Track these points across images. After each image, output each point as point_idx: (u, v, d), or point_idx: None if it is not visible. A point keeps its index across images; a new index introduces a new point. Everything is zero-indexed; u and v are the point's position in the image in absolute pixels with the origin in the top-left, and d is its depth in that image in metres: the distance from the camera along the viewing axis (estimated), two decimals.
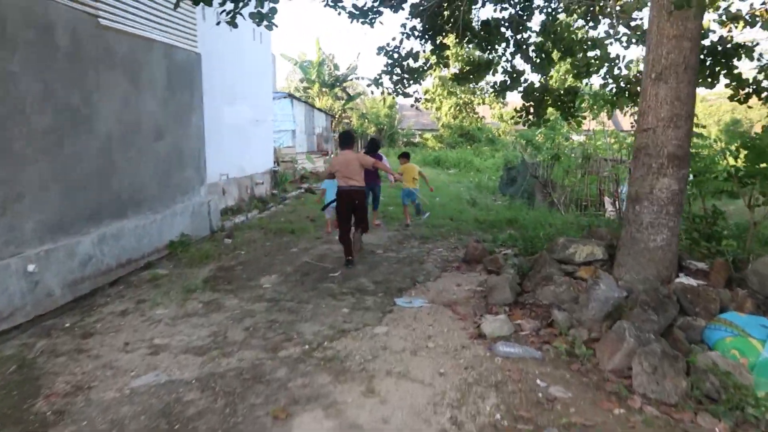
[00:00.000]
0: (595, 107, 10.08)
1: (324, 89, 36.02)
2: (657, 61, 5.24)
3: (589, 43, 9.31)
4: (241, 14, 5.78)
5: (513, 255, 7.88)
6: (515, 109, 10.73)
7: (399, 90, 10.61)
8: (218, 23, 6.06)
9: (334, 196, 7.73)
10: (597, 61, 9.34)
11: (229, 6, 5.71)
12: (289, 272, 6.95)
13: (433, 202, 14.00)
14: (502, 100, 40.30)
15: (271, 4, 5.52)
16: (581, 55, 9.46)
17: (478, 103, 43.90)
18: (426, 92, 43.88)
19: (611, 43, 9.17)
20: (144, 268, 7.41)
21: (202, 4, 5.59)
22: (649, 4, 5.81)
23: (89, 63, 6.59)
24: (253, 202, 13.05)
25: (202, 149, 9.94)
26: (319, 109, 23.31)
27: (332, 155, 30.47)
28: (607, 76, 9.26)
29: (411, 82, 10.66)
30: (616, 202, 14.90)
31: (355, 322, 5.11)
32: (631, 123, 8.41)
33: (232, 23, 5.82)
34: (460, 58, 18.60)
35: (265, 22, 5.61)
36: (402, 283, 6.49)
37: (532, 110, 10.42)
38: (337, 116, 36.34)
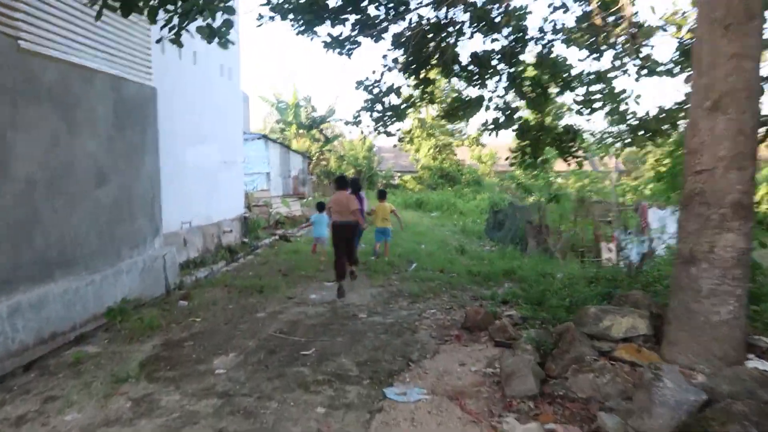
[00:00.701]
0: (598, 147, 9.07)
1: (301, 131, 35.06)
2: (711, 87, 4.14)
3: (592, 76, 8.34)
4: (188, 31, 4.59)
5: (521, 318, 6.64)
6: (510, 149, 9.66)
7: (380, 129, 9.50)
8: (159, 41, 4.85)
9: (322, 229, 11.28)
10: (602, 96, 8.36)
11: (176, 21, 4.53)
12: (250, 349, 5.57)
13: (419, 251, 12.77)
14: (480, 143, 39.78)
15: (225, 16, 4.36)
16: (584, 89, 8.48)
17: (458, 145, 43.37)
18: (406, 133, 43.31)
19: (616, 76, 8.21)
20: (74, 342, 5.98)
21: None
22: (690, 20, 4.79)
23: (4, 94, 5.32)
24: (220, 252, 11.67)
25: (156, 195, 8.63)
26: (295, 151, 22.21)
27: (310, 198, 29.28)
28: (614, 113, 8.27)
29: (393, 119, 9.58)
30: (614, 248, 13.88)
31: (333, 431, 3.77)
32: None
33: (177, 42, 4.62)
34: (444, 94, 17.77)
35: (217, 39, 4.42)
36: (392, 364, 5.16)
37: (528, 150, 9.39)
38: (314, 158, 35.33)
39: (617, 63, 8.05)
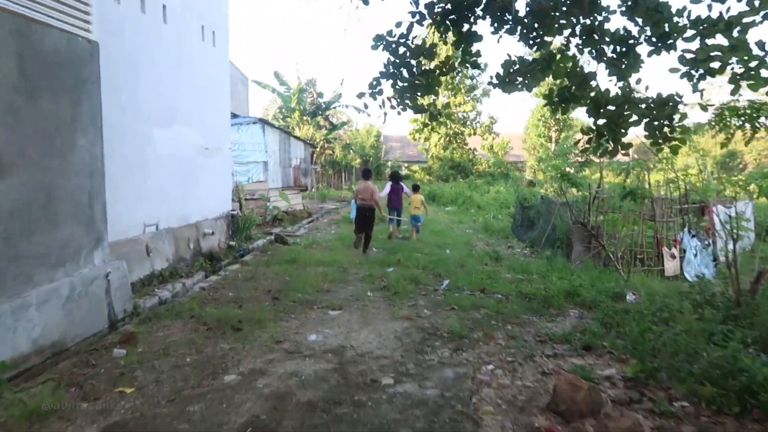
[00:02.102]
0: (718, 125, 6.50)
1: (305, 117, 32.46)
2: None
3: (719, 24, 5.73)
4: None
5: (632, 385, 4.14)
6: (581, 129, 7.05)
7: (406, 103, 6.97)
8: None
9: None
10: (728, 52, 5.76)
11: None
12: None
13: (445, 259, 10.25)
14: (492, 132, 37.11)
15: None
16: (697, 42, 5.88)
17: (469, 134, 40.73)
18: (414, 122, 40.71)
19: (754, 22, 5.61)
20: None
21: None
22: None
23: None
24: (197, 261, 9.18)
25: (97, 191, 6.13)
26: (297, 138, 19.64)
27: (313, 190, 26.77)
28: (748, 76, 5.68)
29: (422, 91, 7.03)
30: (677, 254, 11.35)
31: None
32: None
33: None
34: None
35: None
36: None
37: (606, 131, 6.80)
38: (318, 147, 32.76)
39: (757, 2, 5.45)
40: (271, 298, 7.01)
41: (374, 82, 6.87)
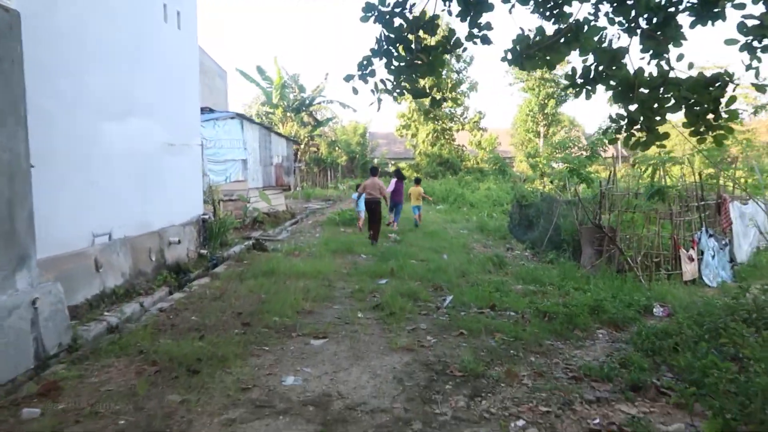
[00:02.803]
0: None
1: (288, 114, 31.11)
2: None
3: None
4: None
5: None
6: (610, 117, 5.90)
7: (403, 86, 5.77)
8: None
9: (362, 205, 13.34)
10: None
11: None
12: None
13: (444, 267, 9.08)
14: (480, 127, 35.97)
15: None
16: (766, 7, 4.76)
17: (457, 130, 39.62)
18: (401, 117, 39.55)
19: None
20: None
21: None
22: None
23: None
24: (161, 274, 7.91)
25: (20, 197, 4.88)
26: (279, 134, 18.35)
27: (298, 190, 25.50)
28: None
29: (423, 71, 5.83)
30: (695, 256, 10.30)
31: None
32: None
33: None
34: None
35: None
36: None
37: (639, 118, 5.65)
38: (303, 144, 31.43)
39: None
40: (241, 323, 5.77)
41: (365, 62, 5.64)
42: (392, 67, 5.67)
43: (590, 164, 11.41)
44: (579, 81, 5.77)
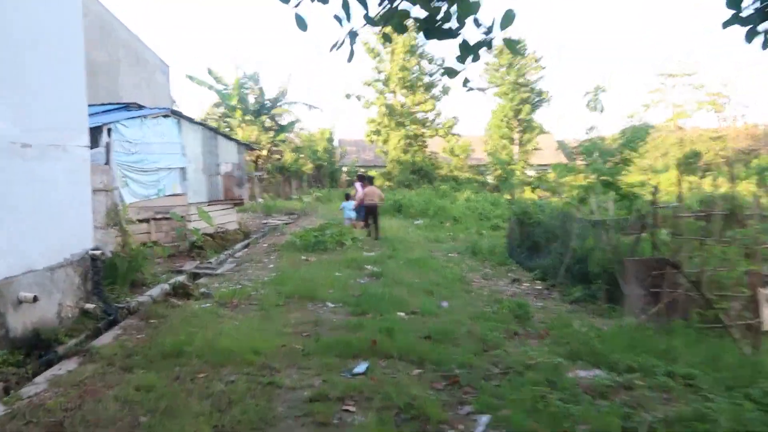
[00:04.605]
0: None
1: (247, 117, 27.73)
2: None
3: None
4: None
5: None
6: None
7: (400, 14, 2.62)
8: None
9: (349, 212, 15.26)
10: None
11: None
12: None
13: (448, 322, 6.03)
14: (453, 133, 33.07)
15: None
16: None
17: (431, 136, 36.82)
18: (371, 122, 36.60)
19: None
20: None
21: None
22: None
23: None
24: None
25: None
26: (227, 137, 15.03)
27: (259, 201, 22.17)
28: None
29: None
30: None
31: None
32: None
33: None
34: None
35: None
36: None
37: None
38: (265, 151, 28.10)
39: None
40: None
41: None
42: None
43: (624, 172, 8.63)
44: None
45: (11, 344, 5.07)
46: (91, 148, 9.34)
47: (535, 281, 10.34)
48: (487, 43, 2.63)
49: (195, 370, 4.53)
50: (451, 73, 2.77)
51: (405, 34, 36.66)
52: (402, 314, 6.69)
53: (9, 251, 5.20)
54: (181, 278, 8.84)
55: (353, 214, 15.31)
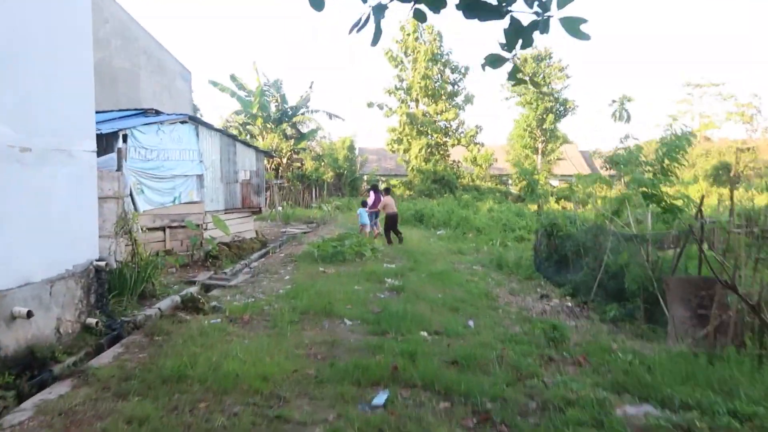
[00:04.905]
0: None
1: (269, 125, 27.52)
2: None
3: None
4: None
5: None
6: None
7: None
8: None
9: (365, 218, 15.65)
10: None
11: None
12: None
13: (476, 348, 5.49)
14: (477, 142, 32.30)
15: None
16: None
17: (453, 145, 36.23)
18: (392, 131, 36.14)
19: None
20: None
21: None
22: None
23: None
24: None
25: None
26: (246, 144, 14.71)
27: (278, 210, 21.84)
28: None
29: None
30: None
31: None
32: None
33: None
34: None
35: None
36: None
37: None
38: (285, 158, 27.83)
39: None
40: None
41: None
42: None
43: (666, 185, 8.00)
44: None
45: (2, 364, 4.67)
46: (105, 153, 9.06)
47: (565, 297, 9.73)
48: (542, 25, 2.14)
49: (196, 399, 4.06)
50: (496, 62, 2.30)
51: (427, 43, 36.34)
52: (425, 334, 6.17)
53: (1, 262, 4.82)
54: (192, 290, 8.44)
55: (368, 221, 15.73)
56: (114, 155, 8.43)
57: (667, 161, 8.32)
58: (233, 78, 26.16)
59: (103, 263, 6.11)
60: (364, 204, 16.65)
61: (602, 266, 9.16)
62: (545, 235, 11.92)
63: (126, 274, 7.20)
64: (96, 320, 5.85)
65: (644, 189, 7.98)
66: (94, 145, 6.15)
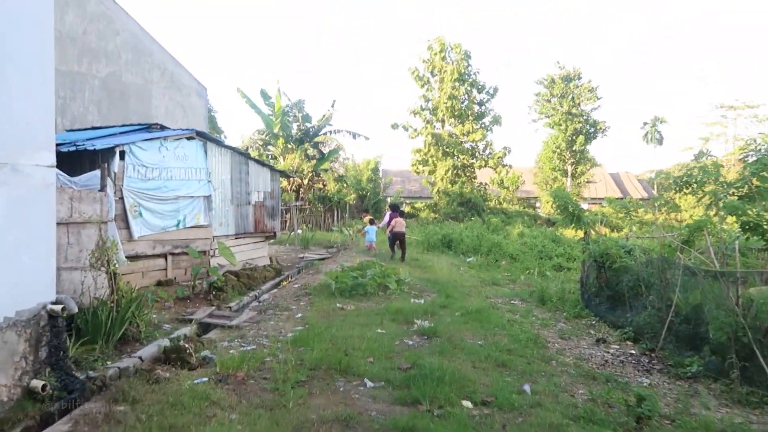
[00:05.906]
0: None
1: (290, 145, 26.43)
2: None
3: None
4: None
5: None
6: None
7: None
8: None
9: (372, 236, 16.66)
10: None
11: None
12: None
13: (528, 411, 3.95)
14: (504, 164, 30.76)
15: None
16: None
17: (480, 167, 34.72)
18: (417, 152, 34.83)
19: None
20: None
21: None
22: None
23: None
24: None
25: None
26: (260, 162, 13.44)
27: (297, 233, 20.56)
28: None
29: None
30: None
31: None
32: None
33: None
34: None
35: None
36: None
37: None
38: (306, 180, 26.66)
39: None
40: None
41: None
42: None
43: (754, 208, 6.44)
44: None
45: None
46: (107, 172, 7.84)
47: (626, 343, 8.12)
48: None
49: None
50: None
51: (454, 63, 35.04)
52: (469, 404, 4.67)
53: None
54: (186, 331, 7.09)
55: (374, 239, 16.80)
56: (97, 173, 7.19)
57: (756, 182, 6.77)
58: (264, 94, 25.17)
59: (58, 307, 4.78)
60: (372, 222, 17.66)
61: (672, 307, 7.57)
62: (594, 266, 10.32)
63: (100, 316, 5.88)
64: (43, 383, 4.49)
65: (744, 216, 6.41)
66: (52, 159, 4.86)
